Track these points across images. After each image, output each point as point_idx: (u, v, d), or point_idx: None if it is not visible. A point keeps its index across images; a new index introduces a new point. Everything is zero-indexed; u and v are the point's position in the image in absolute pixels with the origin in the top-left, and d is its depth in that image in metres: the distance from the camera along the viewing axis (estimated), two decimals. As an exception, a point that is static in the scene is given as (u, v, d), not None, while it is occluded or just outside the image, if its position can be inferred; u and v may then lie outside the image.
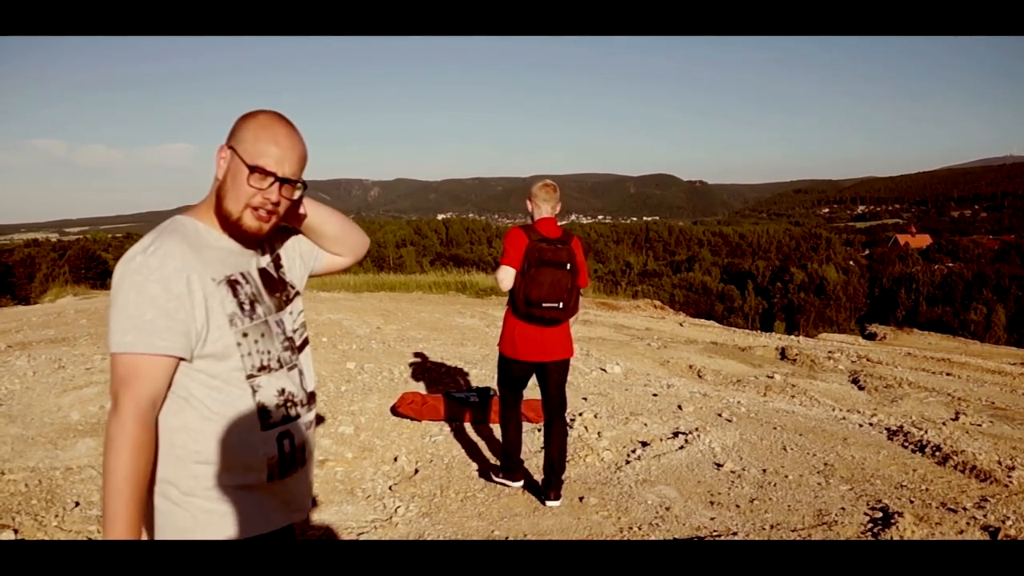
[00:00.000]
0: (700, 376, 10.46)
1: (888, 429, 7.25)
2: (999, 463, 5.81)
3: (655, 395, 8.53)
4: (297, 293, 2.21)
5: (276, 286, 2.11)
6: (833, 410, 8.28)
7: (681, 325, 18.32)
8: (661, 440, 6.63)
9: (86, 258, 38.45)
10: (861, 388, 9.87)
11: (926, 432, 6.94)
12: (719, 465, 5.94)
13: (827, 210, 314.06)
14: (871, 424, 7.51)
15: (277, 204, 1.93)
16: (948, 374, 10.94)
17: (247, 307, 1.93)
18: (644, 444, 6.50)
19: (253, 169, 1.88)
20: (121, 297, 1.76)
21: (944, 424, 7.74)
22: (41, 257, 33.70)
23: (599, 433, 6.71)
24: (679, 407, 7.91)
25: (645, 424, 7.15)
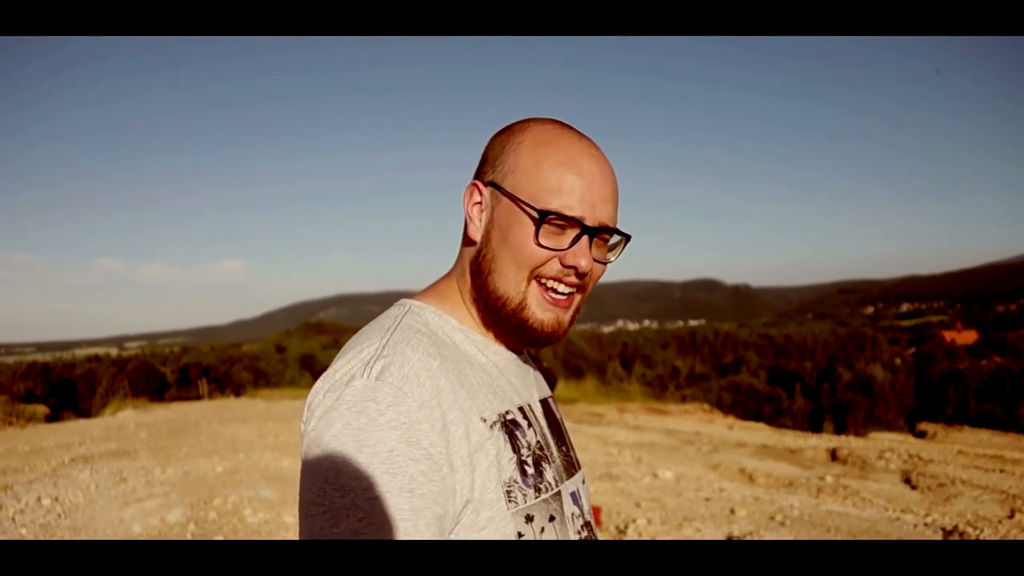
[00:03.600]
0: (752, 479, 10.48)
1: (943, 529, 7.26)
2: (1055, 560, 5.83)
3: (707, 500, 8.60)
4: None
5: (562, 432, 1.33)
6: (886, 511, 8.28)
7: (730, 428, 18.28)
8: (715, 543, 6.72)
9: (145, 372, 39.20)
10: (914, 488, 9.83)
11: (982, 531, 6.95)
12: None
13: (871, 309, 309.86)
14: (926, 524, 7.52)
15: (585, 276, 1.17)
16: (1002, 471, 10.84)
17: (531, 469, 1.14)
18: (699, 547, 6.58)
19: (545, 216, 1.12)
20: (324, 460, 0.99)
21: (1000, 523, 7.70)
22: (102, 372, 34.36)
23: (653, 540, 6.82)
24: (732, 511, 7.98)
25: (698, 529, 7.23)
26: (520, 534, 1.07)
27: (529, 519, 1.09)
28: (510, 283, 1.16)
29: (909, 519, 7.77)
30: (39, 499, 8.40)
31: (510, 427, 1.14)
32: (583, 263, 1.13)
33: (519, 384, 1.24)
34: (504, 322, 1.19)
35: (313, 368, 45.15)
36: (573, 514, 1.19)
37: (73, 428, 17.21)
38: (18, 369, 39.94)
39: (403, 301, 1.24)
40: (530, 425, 1.19)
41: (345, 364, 1.07)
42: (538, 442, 1.18)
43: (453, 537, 1.04)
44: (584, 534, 1.21)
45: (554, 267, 1.15)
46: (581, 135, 1.20)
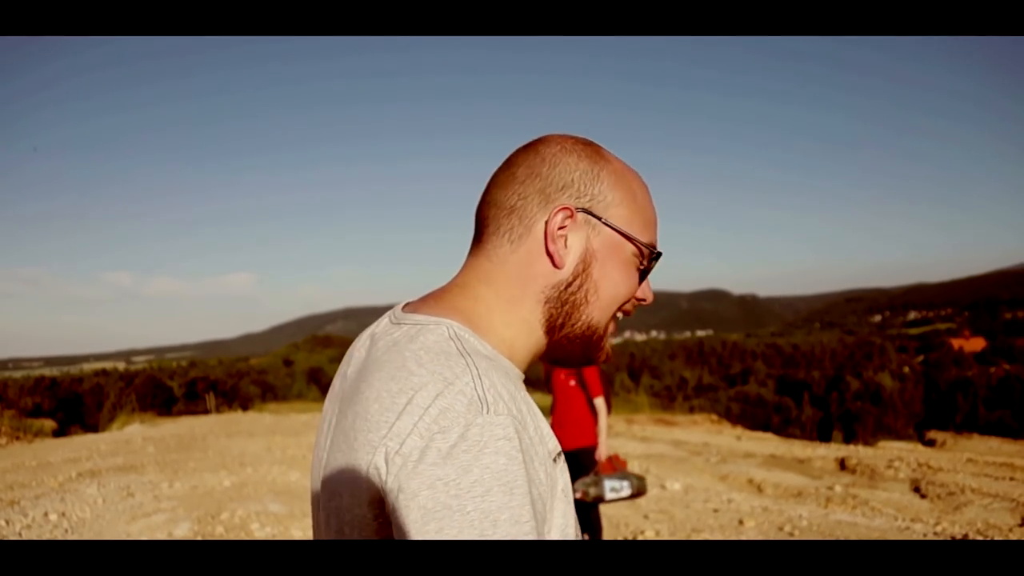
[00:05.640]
0: (760, 490, 10.45)
1: (953, 538, 7.23)
2: (1066, 569, 5.79)
3: (716, 510, 8.57)
4: None
5: None
6: (896, 520, 8.24)
7: (738, 439, 18.22)
8: (724, 554, 6.69)
9: (152, 386, 39.30)
10: (923, 496, 9.78)
11: (992, 540, 6.92)
12: (784, 577, 5.99)
13: (879, 317, 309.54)
14: (935, 533, 7.48)
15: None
16: (1012, 479, 10.77)
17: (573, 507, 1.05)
18: (708, 558, 6.56)
19: (656, 254, 1.11)
20: (478, 487, 0.84)
21: (1011, 531, 7.67)
22: (109, 386, 34.44)
23: (662, 549, 6.79)
24: (740, 522, 7.96)
25: (707, 540, 7.22)
26: None
27: None
28: (604, 315, 1.10)
29: (919, 528, 7.73)
30: (46, 514, 8.41)
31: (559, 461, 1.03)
32: (651, 296, 1.14)
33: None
34: (569, 347, 1.11)
35: (320, 381, 45.11)
36: None
37: (80, 443, 17.20)
38: (25, 384, 40.09)
39: (437, 319, 1.03)
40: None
41: (461, 393, 0.89)
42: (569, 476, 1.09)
43: None
44: None
45: (631, 300, 1.13)
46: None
